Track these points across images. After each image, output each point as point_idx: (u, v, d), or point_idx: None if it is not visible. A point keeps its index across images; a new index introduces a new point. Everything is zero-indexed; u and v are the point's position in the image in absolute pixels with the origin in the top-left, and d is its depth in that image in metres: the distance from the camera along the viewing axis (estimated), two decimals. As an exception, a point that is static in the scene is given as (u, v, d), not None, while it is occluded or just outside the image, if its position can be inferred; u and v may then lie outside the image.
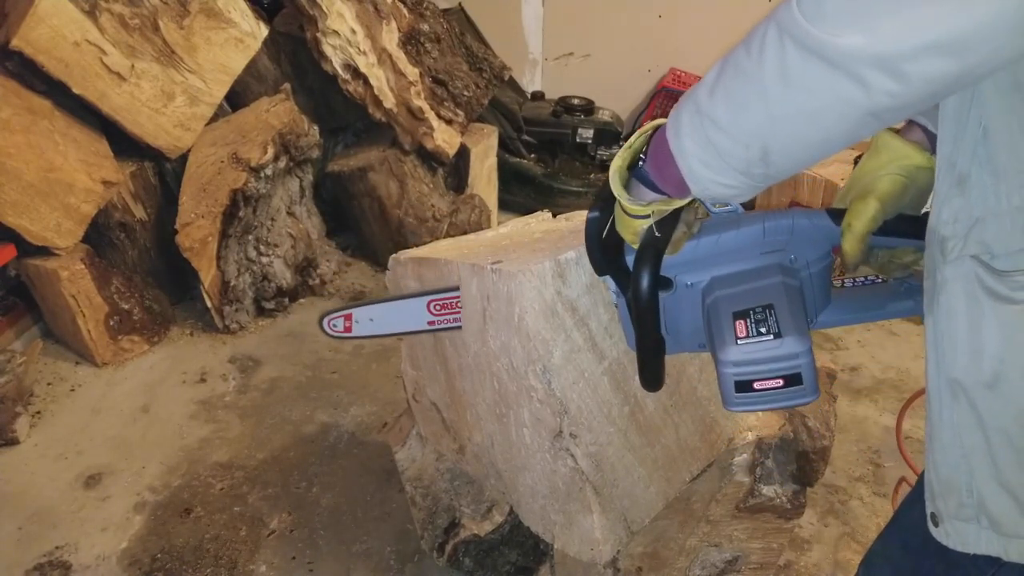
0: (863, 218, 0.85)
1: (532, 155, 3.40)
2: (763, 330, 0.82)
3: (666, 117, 0.76)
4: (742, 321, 0.83)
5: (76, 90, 2.24)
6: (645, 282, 0.84)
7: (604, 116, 3.33)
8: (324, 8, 2.56)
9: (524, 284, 1.10)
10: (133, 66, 2.31)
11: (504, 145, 3.33)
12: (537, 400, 1.17)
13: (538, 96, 3.54)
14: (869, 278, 1.00)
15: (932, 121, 0.88)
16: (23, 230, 2.21)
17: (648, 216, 0.82)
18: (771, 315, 0.82)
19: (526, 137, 3.39)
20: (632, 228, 0.85)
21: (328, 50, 2.62)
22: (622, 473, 1.26)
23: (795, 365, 0.80)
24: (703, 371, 1.33)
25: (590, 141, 3.30)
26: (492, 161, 3.18)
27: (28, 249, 2.29)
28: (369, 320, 1.36)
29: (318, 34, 2.59)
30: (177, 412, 2.24)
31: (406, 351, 1.54)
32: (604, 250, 0.91)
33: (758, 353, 0.81)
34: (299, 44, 2.79)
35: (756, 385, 0.82)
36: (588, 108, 3.32)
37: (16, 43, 2.10)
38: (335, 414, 2.23)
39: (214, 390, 2.34)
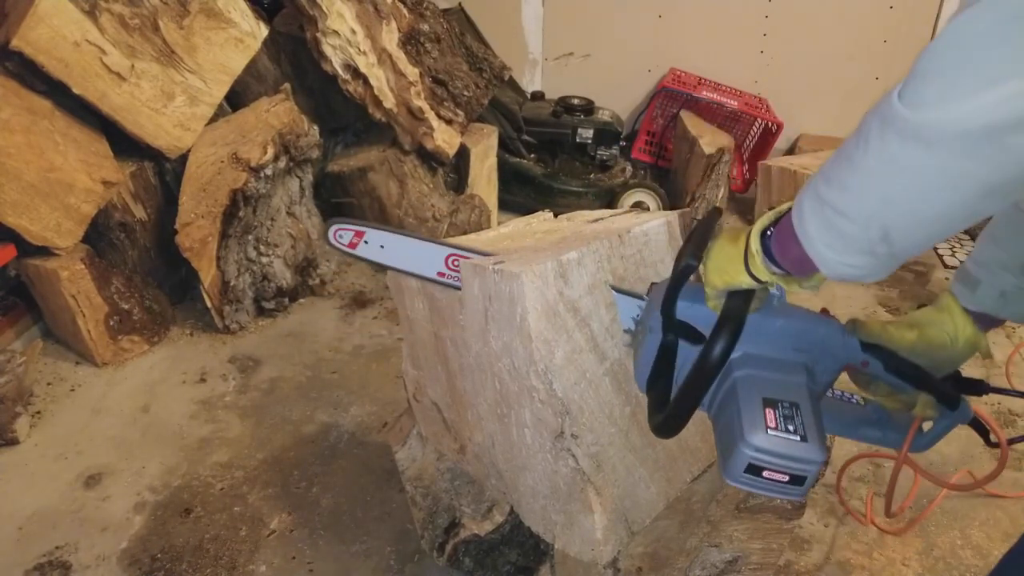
0: (899, 333, 0.95)
1: (532, 155, 3.40)
2: (791, 428, 0.85)
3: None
4: (771, 410, 0.86)
5: (76, 90, 2.23)
6: (723, 347, 0.85)
7: (604, 116, 3.33)
8: (324, 8, 2.56)
9: (526, 284, 1.10)
10: (133, 66, 2.31)
11: (504, 145, 3.33)
12: (538, 400, 1.17)
13: (538, 96, 3.54)
14: (848, 395, 1.07)
15: (965, 298, 0.97)
16: (23, 230, 2.21)
17: (763, 283, 0.85)
18: (798, 414, 0.86)
19: (526, 137, 3.39)
20: (731, 280, 0.87)
21: (328, 50, 2.62)
22: (623, 473, 1.26)
23: (807, 470, 0.84)
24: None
25: (590, 141, 3.30)
26: (492, 161, 3.18)
27: (28, 249, 2.29)
28: (380, 246, 1.32)
29: (318, 34, 2.60)
30: (177, 412, 2.24)
31: (407, 350, 1.54)
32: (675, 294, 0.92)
33: (782, 448, 0.84)
34: (299, 44, 2.79)
35: (765, 473, 0.84)
36: (588, 108, 3.32)
37: (16, 43, 2.09)
38: (335, 414, 2.23)
39: (214, 390, 2.34)
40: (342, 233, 1.33)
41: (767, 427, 0.85)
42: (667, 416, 0.91)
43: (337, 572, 1.74)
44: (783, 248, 0.80)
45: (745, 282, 0.86)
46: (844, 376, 1.00)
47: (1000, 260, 0.93)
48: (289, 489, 1.96)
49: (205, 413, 2.24)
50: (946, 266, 3.16)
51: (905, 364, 0.94)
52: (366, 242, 1.32)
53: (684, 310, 0.93)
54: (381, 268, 1.41)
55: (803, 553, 1.78)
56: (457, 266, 1.25)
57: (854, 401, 1.06)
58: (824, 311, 0.99)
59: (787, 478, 0.84)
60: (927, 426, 1.00)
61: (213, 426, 2.18)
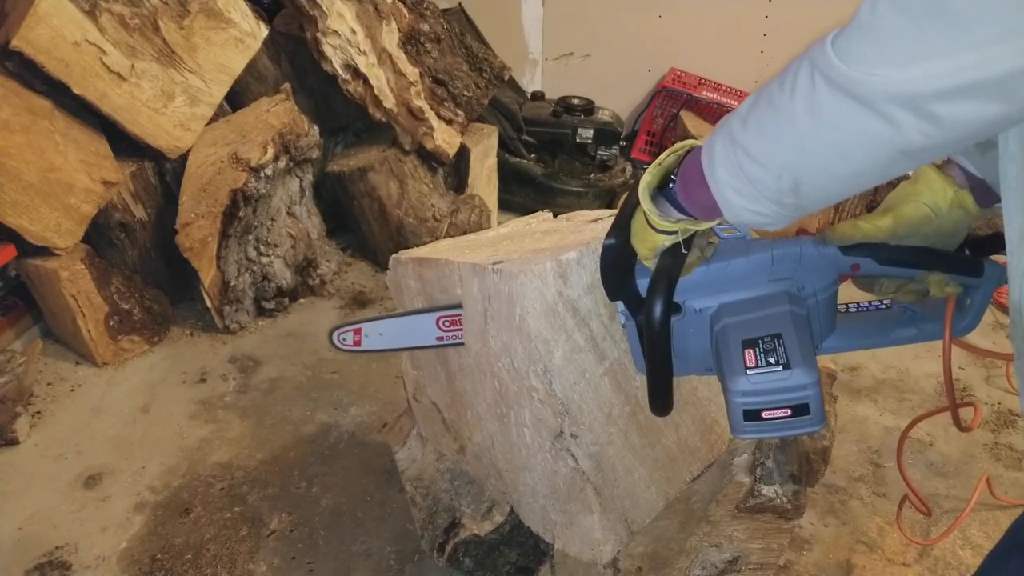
0: (871, 224, 0.87)
1: (532, 155, 3.40)
2: (772, 360, 0.83)
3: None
4: (751, 350, 0.85)
5: (76, 90, 2.23)
6: (659, 309, 0.85)
7: (604, 116, 3.33)
8: (324, 8, 2.56)
9: (526, 284, 1.10)
10: (133, 66, 2.31)
11: (504, 145, 3.33)
12: (538, 400, 1.17)
13: (538, 96, 3.54)
14: (873, 304, 1.00)
15: (971, 161, 0.88)
16: (23, 230, 2.21)
17: (674, 233, 0.83)
18: (779, 345, 0.84)
19: (526, 137, 3.39)
20: (651, 244, 0.86)
21: (328, 50, 2.62)
22: (623, 473, 1.26)
23: (803, 396, 0.82)
24: (704, 371, 1.33)
25: (590, 141, 3.30)
26: (492, 161, 3.18)
27: (28, 249, 2.28)
28: (379, 335, 1.37)
29: (318, 34, 2.59)
30: (177, 412, 2.24)
31: (407, 351, 1.54)
32: (618, 275, 0.92)
33: (767, 384, 0.83)
34: (299, 44, 2.79)
35: (764, 414, 0.83)
36: (588, 108, 3.32)
37: (16, 43, 2.09)
38: (335, 414, 2.23)
39: (214, 390, 2.34)
40: (344, 336, 1.39)
41: (746, 368, 0.83)
42: (649, 392, 0.90)
43: (337, 572, 1.74)
44: (688, 193, 0.78)
45: (660, 240, 0.85)
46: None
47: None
48: (289, 489, 1.96)
49: (205, 413, 2.24)
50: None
51: (898, 252, 0.89)
52: (367, 336, 1.38)
53: (646, 286, 0.92)
54: (391, 352, 1.48)
55: (803, 553, 1.78)
56: (449, 325, 1.28)
57: (882, 307, 1.00)
58: (801, 231, 0.97)
59: (789, 411, 0.83)
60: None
61: (213, 426, 2.18)
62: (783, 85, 0.62)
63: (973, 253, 0.92)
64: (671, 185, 0.81)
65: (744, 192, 0.68)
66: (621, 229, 0.89)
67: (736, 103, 3.41)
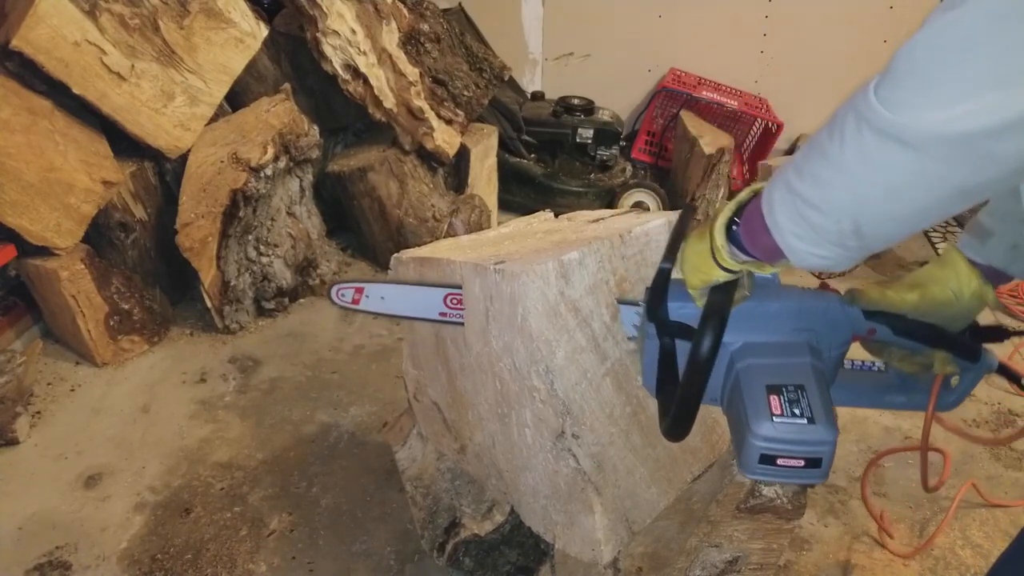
0: (899, 296, 0.92)
1: (532, 155, 3.40)
2: (797, 411, 0.85)
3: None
4: (776, 397, 0.86)
5: (76, 90, 2.23)
6: (709, 344, 0.86)
7: (604, 116, 3.33)
8: (324, 8, 2.56)
9: (527, 284, 1.10)
10: (133, 66, 2.31)
11: (504, 145, 3.33)
12: (539, 400, 1.17)
13: (538, 96, 3.54)
14: (867, 363, 1.04)
15: (975, 252, 0.93)
16: (23, 230, 2.21)
17: (736, 272, 0.85)
18: (803, 397, 0.86)
19: (526, 137, 3.39)
20: (707, 278, 0.87)
21: (328, 50, 2.62)
22: (624, 473, 1.26)
23: (820, 451, 0.84)
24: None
25: (590, 141, 3.31)
26: (492, 161, 3.18)
27: (28, 249, 2.28)
28: (380, 298, 1.36)
29: (318, 34, 2.59)
30: (177, 412, 2.24)
31: (407, 350, 1.54)
32: (662, 298, 0.93)
33: (790, 434, 0.84)
34: (299, 44, 2.79)
35: (779, 461, 0.84)
36: (588, 108, 3.32)
37: (16, 43, 2.09)
38: (335, 414, 2.23)
39: (214, 390, 2.34)
40: (343, 292, 1.37)
41: (772, 415, 0.84)
42: (672, 419, 0.91)
43: (337, 572, 1.74)
44: (752, 237, 0.80)
45: (719, 275, 0.86)
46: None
47: (1019, 212, 0.89)
48: (289, 489, 1.96)
49: (205, 413, 2.24)
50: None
51: (914, 325, 0.92)
52: (367, 296, 1.37)
53: (677, 310, 0.93)
54: (388, 317, 1.45)
55: (803, 553, 1.78)
56: (456, 304, 1.28)
57: (875, 369, 1.04)
58: (823, 285, 0.99)
59: (802, 463, 0.84)
60: (952, 385, 0.98)
61: (213, 426, 2.18)
62: (831, 135, 0.64)
63: (972, 339, 0.96)
64: (734, 227, 0.83)
65: (807, 238, 0.70)
66: (676, 253, 0.91)
67: (736, 103, 3.42)
